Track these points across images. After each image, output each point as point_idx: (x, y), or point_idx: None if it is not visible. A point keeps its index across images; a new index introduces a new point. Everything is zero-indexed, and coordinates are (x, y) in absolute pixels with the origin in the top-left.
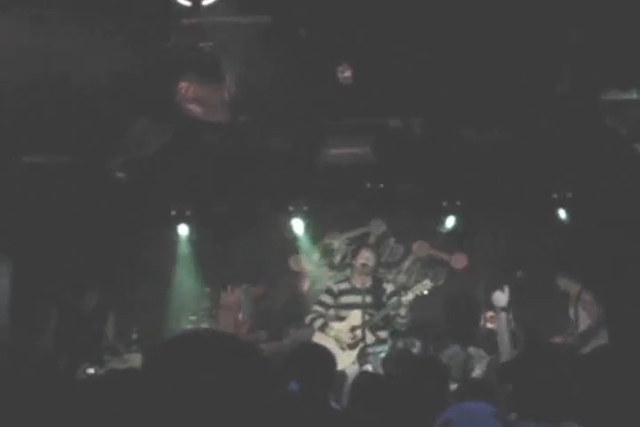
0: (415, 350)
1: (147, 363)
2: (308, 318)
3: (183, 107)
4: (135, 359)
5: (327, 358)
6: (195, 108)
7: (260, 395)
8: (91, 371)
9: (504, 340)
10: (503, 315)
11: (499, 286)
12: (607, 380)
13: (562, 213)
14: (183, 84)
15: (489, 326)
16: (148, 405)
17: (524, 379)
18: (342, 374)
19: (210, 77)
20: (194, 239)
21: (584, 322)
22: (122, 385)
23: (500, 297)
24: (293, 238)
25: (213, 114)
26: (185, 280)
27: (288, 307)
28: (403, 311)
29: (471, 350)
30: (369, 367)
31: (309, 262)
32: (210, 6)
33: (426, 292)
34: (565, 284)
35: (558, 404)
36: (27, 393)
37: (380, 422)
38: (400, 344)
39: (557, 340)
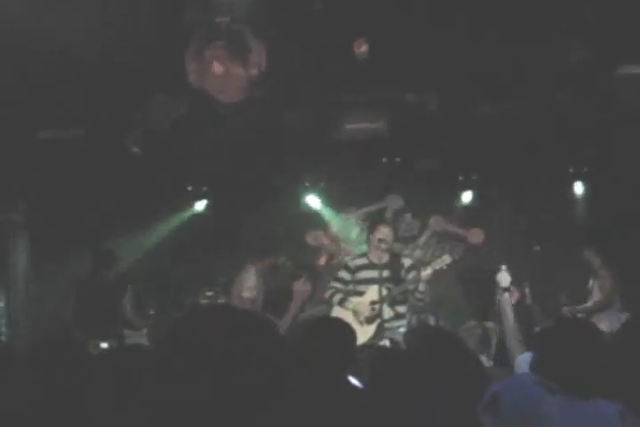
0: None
1: (161, 337)
2: (327, 294)
3: (207, 62)
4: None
5: (345, 331)
6: (217, 69)
7: (275, 372)
8: (104, 346)
9: (509, 320)
10: (507, 295)
11: (504, 265)
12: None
13: (578, 188)
14: (219, 43)
15: None
16: (162, 380)
17: (557, 350)
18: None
19: (238, 53)
20: (210, 215)
21: (595, 296)
22: (130, 361)
23: (505, 278)
24: (310, 214)
25: (231, 92)
26: (201, 255)
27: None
28: (421, 287)
29: (488, 324)
30: (386, 342)
31: (326, 238)
32: None
33: (445, 267)
34: (590, 256)
35: (590, 379)
36: (38, 366)
37: (400, 398)
38: (414, 320)
39: (564, 312)
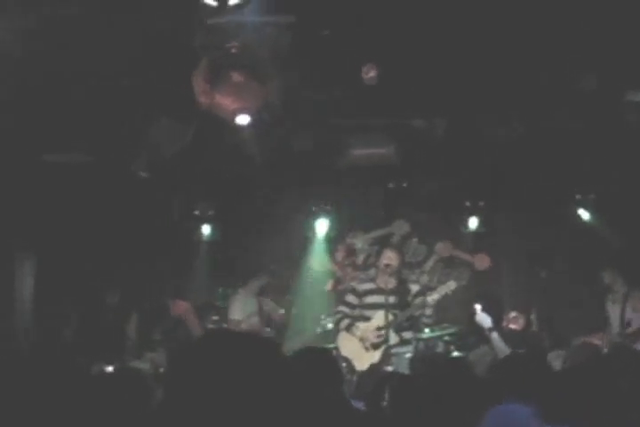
0: (438, 351)
1: (172, 363)
2: (334, 319)
3: (224, 73)
4: (157, 358)
5: (328, 359)
6: (237, 78)
7: (279, 393)
8: (109, 369)
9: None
10: (495, 335)
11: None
12: None
13: (585, 214)
14: (237, 65)
15: (511, 326)
16: (172, 405)
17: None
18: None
19: (257, 76)
20: (216, 239)
21: (636, 321)
22: (132, 384)
23: (485, 319)
24: (316, 239)
25: (244, 100)
26: (207, 280)
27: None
28: (427, 312)
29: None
30: (390, 368)
31: (333, 263)
32: (236, 6)
33: (450, 293)
34: (610, 278)
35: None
36: (41, 390)
37: (412, 422)
38: (421, 345)
39: (595, 339)
